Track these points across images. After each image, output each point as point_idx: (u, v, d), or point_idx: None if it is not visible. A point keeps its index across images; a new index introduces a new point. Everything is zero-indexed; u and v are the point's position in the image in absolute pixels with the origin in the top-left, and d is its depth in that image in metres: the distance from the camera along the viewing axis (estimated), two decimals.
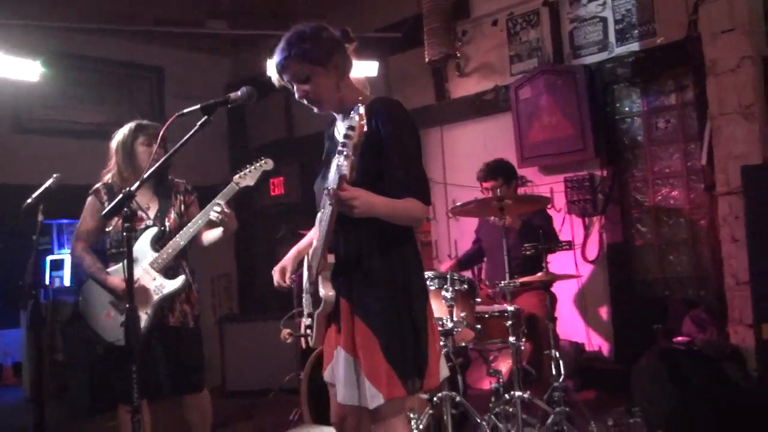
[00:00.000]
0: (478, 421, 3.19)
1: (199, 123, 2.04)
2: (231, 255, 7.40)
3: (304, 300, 2.32)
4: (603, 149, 4.75)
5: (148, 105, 6.78)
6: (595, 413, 3.71)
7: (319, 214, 2.18)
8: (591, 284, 4.86)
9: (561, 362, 3.55)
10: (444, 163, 5.67)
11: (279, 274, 2.31)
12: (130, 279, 1.97)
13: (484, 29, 5.46)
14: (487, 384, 4.15)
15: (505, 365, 3.85)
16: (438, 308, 3.10)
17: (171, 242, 3.00)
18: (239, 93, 2.07)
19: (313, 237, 2.37)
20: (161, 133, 2.18)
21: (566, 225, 4.92)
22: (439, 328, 3.05)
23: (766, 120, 3.79)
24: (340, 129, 2.22)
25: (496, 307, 3.63)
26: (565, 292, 4.83)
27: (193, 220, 3.01)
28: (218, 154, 7.18)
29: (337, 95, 2.09)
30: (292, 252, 2.37)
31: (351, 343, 2.01)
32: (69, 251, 7.50)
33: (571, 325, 4.82)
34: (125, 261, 1.94)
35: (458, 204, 3.56)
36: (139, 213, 3.02)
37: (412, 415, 3.15)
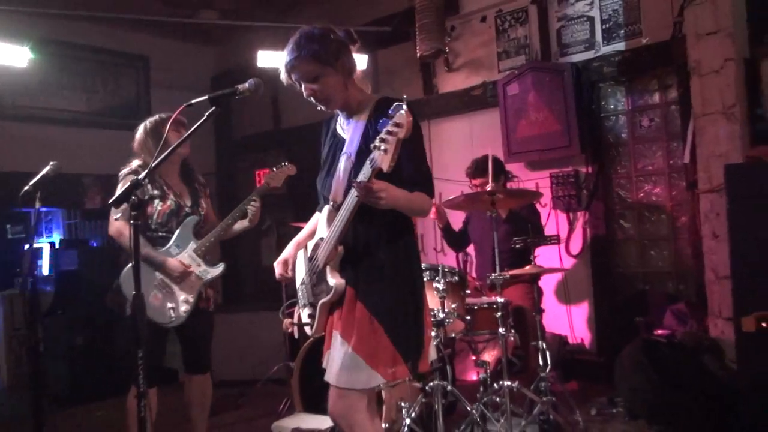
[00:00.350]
0: (468, 409, 3.27)
1: (207, 113, 2.07)
2: (215, 246, 7.38)
3: (300, 291, 2.37)
4: (588, 146, 4.85)
5: (133, 94, 6.73)
6: (579, 403, 3.81)
7: (326, 208, 2.22)
8: (574, 278, 4.96)
9: (548, 353, 3.65)
10: (431, 157, 5.72)
11: (282, 266, 2.37)
12: (137, 265, 2.00)
13: (473, 25, 5.53)
14: (472, 375, 4.24)
15: (490, 356, 3.94)
16: (430, 299, 3.14)
17: (213, 230, 3.28)
18: (247, 85, 2.10)
19: (311, 230, 2.42)
20: (171, 121, 2.20)
21: (551, 220, 5.02)
22: (432, 319, 3.12)
23: (747, 121, 3.90)
24: (343, 126, 2.28)
25: (485, 299, 3.71)
26: (548, 286, 4.93)
27: (232, 213, 3.30)
28: (203, 145, 7.17)
29: (344, 94, 2.19)
30: (292, 245, 2.43)
31: (350, 328, 2.09)
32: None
33: (554, 318, 4.92)
34: (132, 247, 1.96)
35: (450, 198, 3.62)
36: (173, 201, 3.24)
37: (403, 404, 3.22)
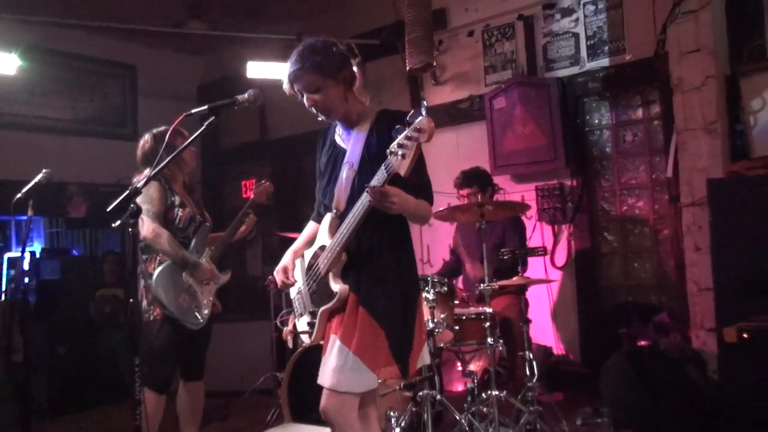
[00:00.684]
0: (457, 418, 3.29)
1: (206, 123, 2.09)
2: None
3: (297, 300, 2.39)
4: (573, 159, 4.93)
5: (120, 102, 6.71)
6: (565, 413, 3.85)
7: (328, 215, 2.25)
8: (559, 290, 5.03)
9: (534, 363, 3.69)
10: None
11: (282, 274, 2.39)
12: (133, 271, 2.01)
13: (461, 40, 5.61)
14: (458, 386, 4.27)
15: (477, 366, 3.97)
16: None
17: (221, 239, 3.49)
18: (246, 95, 2.13)
19: (306, 238, 2.45)
20: (171, 130, 2.22)
21: (537, 232, 5.08)
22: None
23: (728, 136, 4.01)
24: (342, 136, 2.33)
25: (473, 309, 3.75)
26: (534, 297, 4.97)
27: (233, 224, 3.55)
28: None
29: (344, 105, 2.25)
30: (290, 253, 2.45)
31: (351, 332, 2.13)
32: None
33: (539, 329, 4.96)
34: (129, 254, 1.97)
35: (440, 209, 3.66)
36: (190, 210, 3.34)
37: (393, 414, 3.23)
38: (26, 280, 7.56)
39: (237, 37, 6.11)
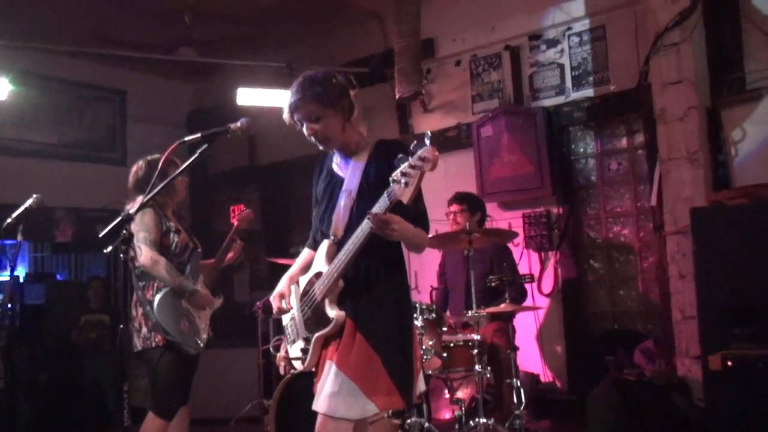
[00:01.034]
0: None
1: (199, 151, 2.12)
2: None
3: (290, 327, 2.39)
4: (559, 187, 5.00)
5: (109, 127, 6.73)
6: None
7: (325, 242, 2.27)
8: (546, 317, 5.05)
9: (522, 391, 3.69)
10: None
11: (279, 300, 2.39)
12: (125, 298, 2.01)
13: (448, 69, 5.70)
14: (446, 414, 4.26)
15: (464, 394, 3.97)
16: None
17: (212, 266, 3.54)
18: (239, 123, 2.16)
19: (301, 264, 2.46)
20: (164, 158, 2.25)
21: (524, 259, 5.12)
22: None
23: (710, 166, 4.09)
24: (340, 165, 2.37)
25: (461, 336, 3.76)
26: (521, 324, 4.98)
27: (221, 250, 3.61)
28: None
29: (342, 135, 2.30)
30: (286, 279, 2.45)
31: (347, 358, 2.13)
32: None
33: (526, 357, 4.98)
34: (124, 280, 1.97)
35: (429, 236, 3.68)
36: (185, 236, 3.35)
37: None
38: (9, 305, 7.50)
39: (227, 64, 6.17)
